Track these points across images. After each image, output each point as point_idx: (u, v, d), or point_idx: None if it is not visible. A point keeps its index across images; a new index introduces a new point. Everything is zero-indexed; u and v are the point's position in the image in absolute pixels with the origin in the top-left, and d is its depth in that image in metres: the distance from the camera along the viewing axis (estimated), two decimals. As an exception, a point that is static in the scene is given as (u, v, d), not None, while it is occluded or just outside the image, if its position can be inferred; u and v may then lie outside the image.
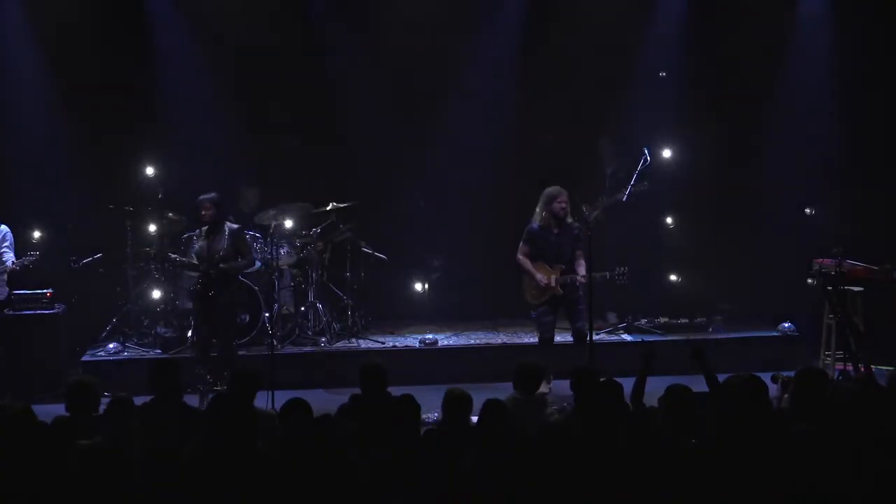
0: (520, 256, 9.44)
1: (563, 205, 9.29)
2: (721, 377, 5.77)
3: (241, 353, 9.53)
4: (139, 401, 6.50)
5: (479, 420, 5.67)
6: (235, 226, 9.39)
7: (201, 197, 9.19)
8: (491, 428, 5.42)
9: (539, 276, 9.30)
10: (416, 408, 5.85)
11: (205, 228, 9.22)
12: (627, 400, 6.12)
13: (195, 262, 9.25)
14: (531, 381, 6.76)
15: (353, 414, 6.26)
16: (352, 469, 5.20)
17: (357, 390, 6.65)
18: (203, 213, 9.16)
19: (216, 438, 5.25)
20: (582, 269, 9.19)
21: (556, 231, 9.35)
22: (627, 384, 6.18)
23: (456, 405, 5.82)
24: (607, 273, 9.23)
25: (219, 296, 9.13)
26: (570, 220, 9.35)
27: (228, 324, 9.29)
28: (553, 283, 9.27)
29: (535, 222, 9.41)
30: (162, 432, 5.75)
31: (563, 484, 5.09)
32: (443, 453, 5.36)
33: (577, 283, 9.20)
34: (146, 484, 5.15)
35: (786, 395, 6.67)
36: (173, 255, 9.70)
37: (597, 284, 9.05)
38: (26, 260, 9.40)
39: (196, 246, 9.29)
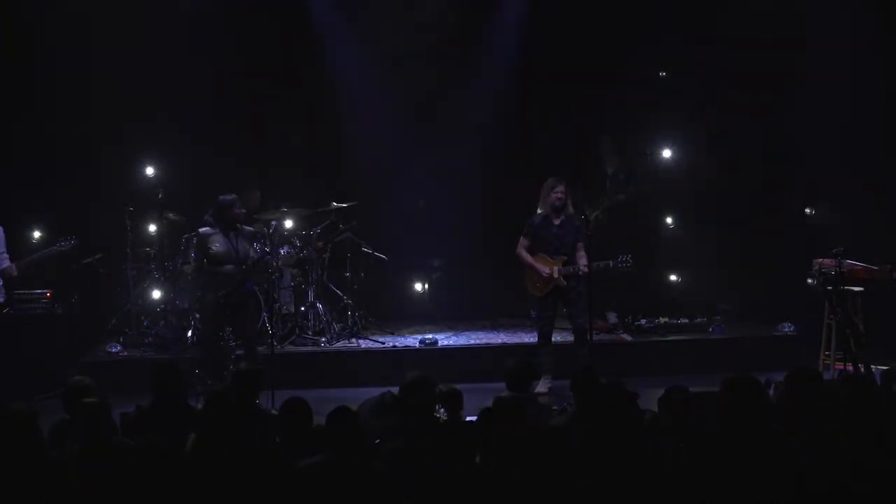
0: (520, 250, 9.48)
1: (559, 195, 9.33)
2: (719, 377, 5.78)
3: (238, 352, 9.51)
4: (138, 401, 6.55)
5: (481, 419, 5.67)
6: (252, 228, 9.38)
7: (232, 197, 9.04)
8: (496, 426, 5.42)
9: (540, 266, 9.32)
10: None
11: (219, 229, 9.09)
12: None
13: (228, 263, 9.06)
14: (522, 380, 6.75)
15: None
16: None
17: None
18: (241, 213, 9.11)
19: (214, 436, 5.25)
20: (584, 260, 9.21)
21: (556, 223, 9.38)
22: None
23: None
24: (610, 262, 9.24)
25: (251, 297, 9.17)
26: (571, 210, 9.38)
27: (256, 323, 9.44)
28: (556, 274, 9.29)
29: (537, 215, 9.45)
30: (163, 433, 5.74)
31: (564, 485, 5.08)
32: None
33: (581, 273, 9.20)
34: (146, 484, 5.15)
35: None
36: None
37: (598, 279, 9.06)
38: (63, 246, 9.48)
39: (218, 248, 8.99)
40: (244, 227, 9.22)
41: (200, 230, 9.15)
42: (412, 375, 6.47)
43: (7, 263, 9.43)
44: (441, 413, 6.12)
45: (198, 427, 5.59)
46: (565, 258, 9.33)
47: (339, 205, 10.90)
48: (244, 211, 9.20)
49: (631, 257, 9.27)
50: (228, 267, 8.97)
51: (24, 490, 5.04)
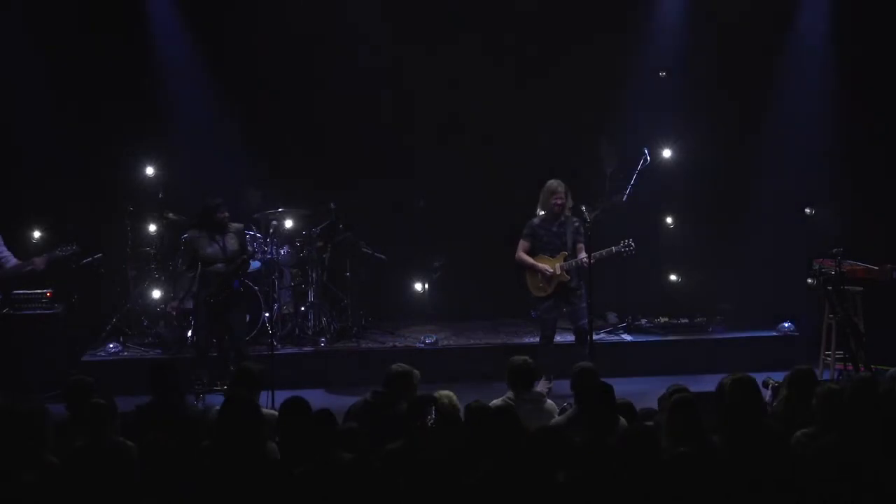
0: (519, 253, 9.46)
1: (559, 202, 9.34)
2: (719, 377, 5.80)
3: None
4: (138, 401, 6.56)
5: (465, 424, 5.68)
6: (240, 224, 9.42)
7: (218, 201, 9.15)
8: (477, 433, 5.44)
9: (543, 266, 9.32)
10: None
11: (205, 232, 9.16)
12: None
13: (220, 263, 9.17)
14: (523, 379, 6.75)
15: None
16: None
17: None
18: (225, 216, 9.17)
19: (228, 439, 5.27)
20: (584, 254, 9.20)
21: (556, 223, 9.40)
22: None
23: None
24: (613, 248, 9.24)
25: (238, 296, 9.20)
26: (568, 213, 9.38)
27: (244, 323, 9.47)
28: (559, 271, 9.29)
29: (536, 217, 9.45)
30: (161, 432, 5.74)
31: (564, 485, 5.08)
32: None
33: (583, 265, 9.19)
34: (146, 484, 5.16)
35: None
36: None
37: (598, 275, 9.06)
38: (64, 252, 9.54)
39: (209, 249, 9.13)
40: (235, 224, 9.30)
41: (186, 236, 9.25)
42: (395, 367, 6.51)
43: (14, 261, 9.51)
44: (431, 413, 6.14)
45: (202, 428, 5.61)
46: (566, 254, 9.34)
47: (339, 205, 10.89)
48: (227, 214, 9.24)
49: (633, 241, 9.26)
50: (219, 266, 9.10)
51: (28, 486, 5.06)
